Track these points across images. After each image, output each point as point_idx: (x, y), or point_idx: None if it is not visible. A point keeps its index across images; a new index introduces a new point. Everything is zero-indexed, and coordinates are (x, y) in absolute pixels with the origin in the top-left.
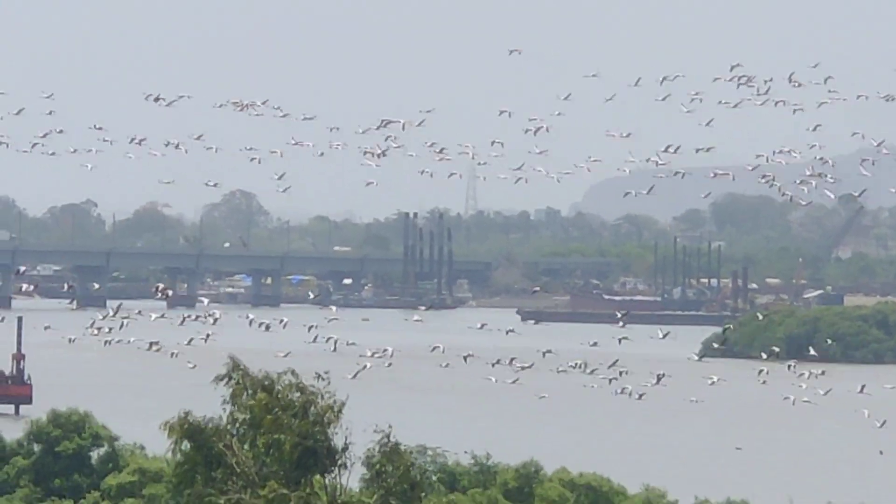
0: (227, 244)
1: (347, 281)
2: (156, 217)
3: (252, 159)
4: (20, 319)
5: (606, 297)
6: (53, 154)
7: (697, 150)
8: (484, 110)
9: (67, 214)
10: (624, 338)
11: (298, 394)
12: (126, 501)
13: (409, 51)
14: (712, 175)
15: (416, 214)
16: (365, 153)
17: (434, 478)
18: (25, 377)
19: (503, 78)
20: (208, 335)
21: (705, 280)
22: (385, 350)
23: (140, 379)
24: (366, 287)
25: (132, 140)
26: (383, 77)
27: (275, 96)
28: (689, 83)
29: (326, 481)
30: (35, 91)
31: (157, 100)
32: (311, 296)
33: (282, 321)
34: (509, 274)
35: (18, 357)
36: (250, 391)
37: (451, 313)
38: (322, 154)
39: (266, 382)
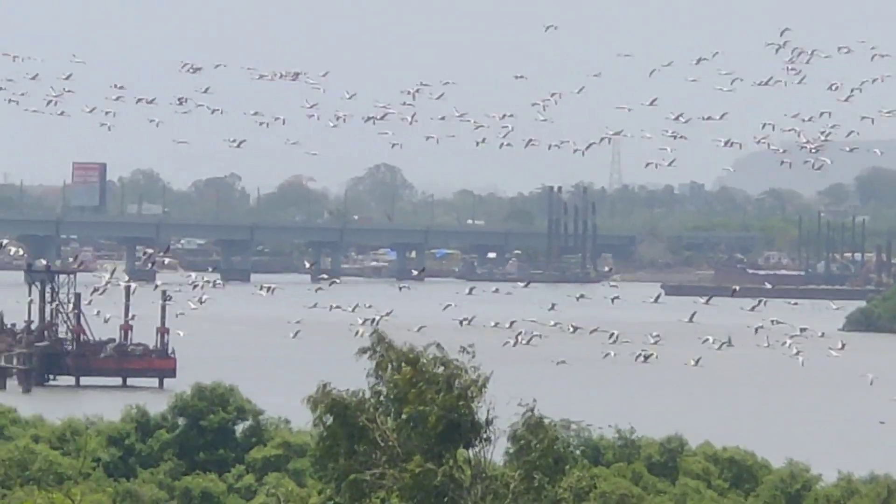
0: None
1: (492, 255)
2: (300, 191)
3: (381, 133)
4: (164, 293)
5: (750, 271)
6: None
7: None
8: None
9: (212, 188)
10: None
11: (442, 368)
12: (270, 475)
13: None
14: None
15: (560, 189)
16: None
17: (578, 452)
18: (169, 351)
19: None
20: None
21: (849, 254)
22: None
23: (285, 351)
24: (510, 261)
25: (277, 118)
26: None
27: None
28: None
29: (470, 455)
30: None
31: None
32: (456, 269)
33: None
34: (653, 248)
35: (162, 331)
36: (394, 364)
37: (592, 287)
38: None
39: (411, 356)
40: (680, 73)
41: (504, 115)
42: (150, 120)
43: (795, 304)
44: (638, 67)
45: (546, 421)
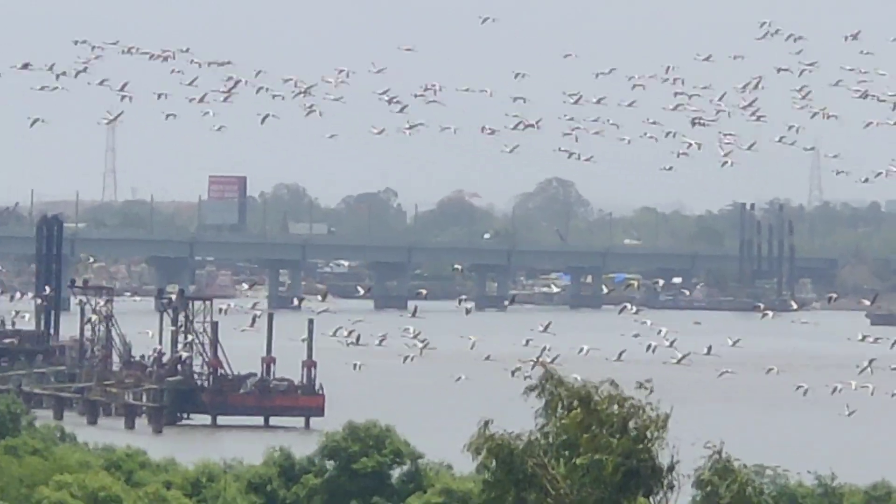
0: (544, 237)
1: (677, 279)
2: (463, 208)
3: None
4: (311, 322)
5: None
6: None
7: None
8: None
9: (364, 205)
10: None
11: (617, 406)
12: None
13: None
14: None
15: (753, 206)
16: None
17: (772, 500)
18: (317, 387)
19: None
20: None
21: None
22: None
23: (447, 389)
24: (697, 286)
25: (444, 128)
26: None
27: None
28: None
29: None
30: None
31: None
32: (636, 296)
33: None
34: (858, 272)
35: (309, 364)
36: (565, 403)
37: (791, 316)
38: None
39: (583, 393)
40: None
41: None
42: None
43: None
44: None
45: (736, 465)
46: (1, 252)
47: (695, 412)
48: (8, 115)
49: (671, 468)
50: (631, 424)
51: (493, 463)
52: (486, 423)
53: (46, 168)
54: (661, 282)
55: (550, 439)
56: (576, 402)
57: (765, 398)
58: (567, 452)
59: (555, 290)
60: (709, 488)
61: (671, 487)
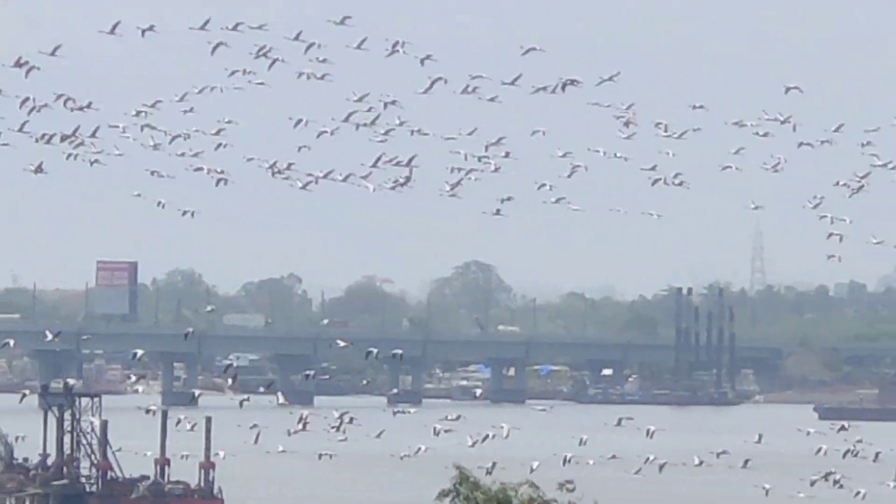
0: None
1: (607, 371)
2: (374, 295)
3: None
4: (208, 420)
5: None
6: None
7: None
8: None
9: (266, 292)
10: None
11: None
12: None
13: None
14: None
15: (690, 291)
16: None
17: None
18: (216, 490)
19: None
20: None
21: None
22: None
23: (356, 492)
24: (630, 379)
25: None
26: None
27: None
28: None
29: None
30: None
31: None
32: (564, 390)
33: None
34: (804, 362)
35: (207, 466)
36: None
37: (730, 410)
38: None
39: (500, 497)
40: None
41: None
42: (184, 211)
43: None
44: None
45: None
46: None
47: None
48: None
49: None
50: None
51: None
52: None
53: None
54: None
55: None
56: None
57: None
58: None
59: (475, 383)
60: None
61: None
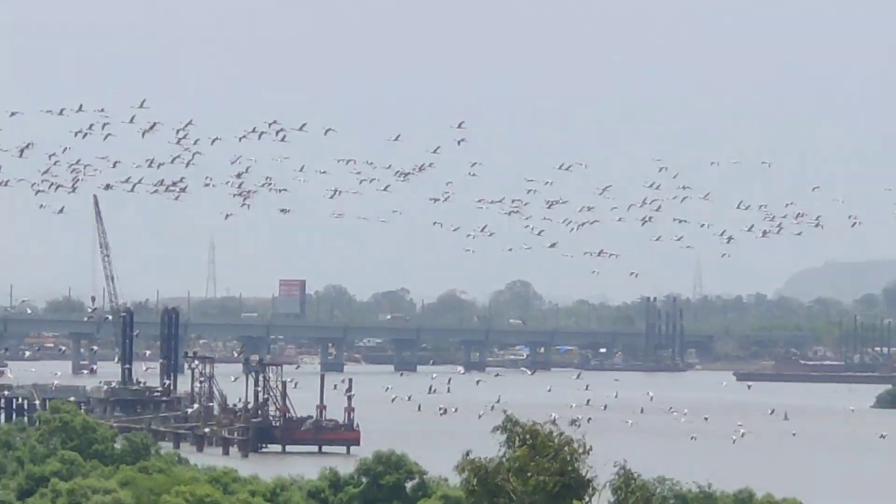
0: (512, 320)
1: (602, 350)
2: (455, 301)
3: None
4: (350, 381)
5: (802, 362)
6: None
7: None
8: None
9: (387, 299)
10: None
11: (556, 439)
12: None
13: None
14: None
15: (654, 299)
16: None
17: (671, 502)
18: (355, 425)
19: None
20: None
21: (879, 349)
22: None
23: (444, 426)
24: (617, 355)
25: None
26: None
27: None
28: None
29: None
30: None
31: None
32: (575, 361)
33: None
34: (728, 344)
35: (349, 409)
36: (520, 437)
37: (681, 375)
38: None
39: (530, 430)
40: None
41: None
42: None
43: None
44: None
45: (638, 476)
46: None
47: (613, 442)
48: (133, 231)
49: (590, 482)
50: (566, 449)
51: (474, 479)
52: (468, 452)
53: (167, 274)
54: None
55: (510, 464)
56: (528, 437)
57: (664, 432)
58: (521, 473)
59: (519, 357)
60: (620, 494)
61: (593, 493)
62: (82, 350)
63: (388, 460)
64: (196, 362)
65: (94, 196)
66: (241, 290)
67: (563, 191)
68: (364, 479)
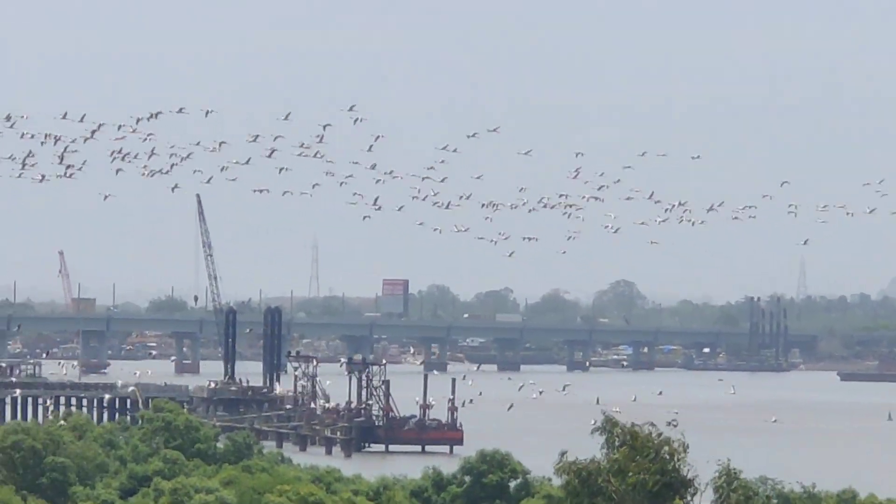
0: (605, 319)
1: (706, 350)
2: (558, 301)
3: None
4: (453, 380)
5: None
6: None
7: None
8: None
9: (490, 299)
10: None
11: (655, 440)
12: None
13: None
14: None
15: (759, 299)
16: None
17: (774, 502)
18: (458, 424)
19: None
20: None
21: None
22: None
23: (547, 425)
24: (720, 354)
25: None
26: None
27: None
28: None
29: None
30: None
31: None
32: (678, 361)
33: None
34: (831, 344)
35: (452, 409)
36: (620, 439)
37: (785, 375)
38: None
39: (630, 432)
40: None
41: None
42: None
43: None
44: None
45: (741, 475)
46: (240, 332)
47: (712, 440)
48: (237, 229)
49: (690, 482)
50: (665, 449)
51: (575, 480)
52: (564, 453)
53: (270, 274)
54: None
55: (610, 465)
56: (627, 438)
57: (766, 431)
58: (621, 474)
59: (622, 357)
60: (721, 493)
61: (695, 493)
62: (185, 349)
63: (491, 459)
64: (298, 362)
65: (197, 195)
66: (345, 290)
67: (667, 187)
68: (467, 479)
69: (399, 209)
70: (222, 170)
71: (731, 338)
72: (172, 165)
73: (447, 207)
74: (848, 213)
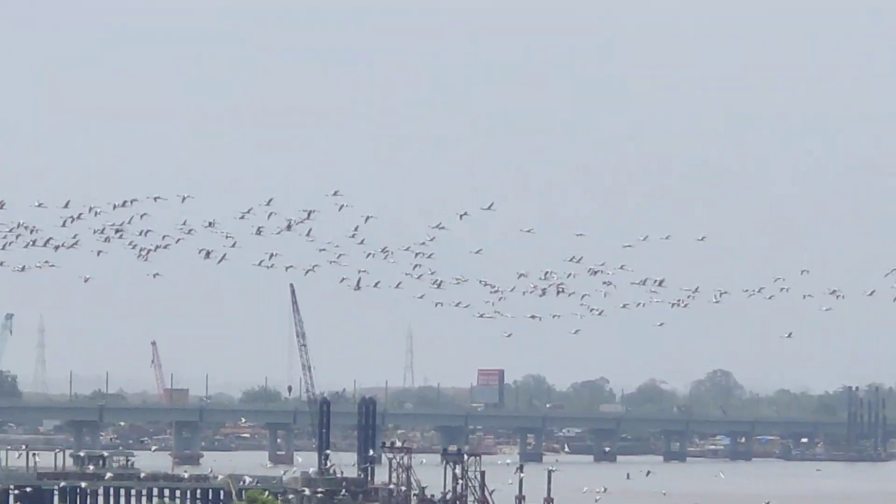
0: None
1: (804, 440)
2: (654, 391)
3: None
4: (549, 472)
5: None
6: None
7: None
8: None
9: (586, 389)
10: None
11: None
12: None
13: None
14: None
15: (857, 388)
16: None
17: None
18: None
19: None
20: None
21: None
22: None
23: None
24: (818, 445)
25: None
26: None
27: None
28: None
29: None
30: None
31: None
32: (776, 451)
33: None
34: None
35: (548, 500)
36: None
37: (884, 465)
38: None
39: None
40: None
41: None
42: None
43: None
44: None
45: None
46: (334, 423)
47: None
48: (331, 318)
49: None
50: None
51: None
52: None
53: (365, 363)
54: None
55: None
56: None
57: None
58: None
59: (719, 447)
60: None
61: None
62: (279, 440)
63: None
64: (393, 453)
65: (291, 284)
66: (440, 380)
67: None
68: None
69: (498, 300)
70: (315, 266)
71: (829, 427)
72: (272, 256)
73: (543, 294)
74: None
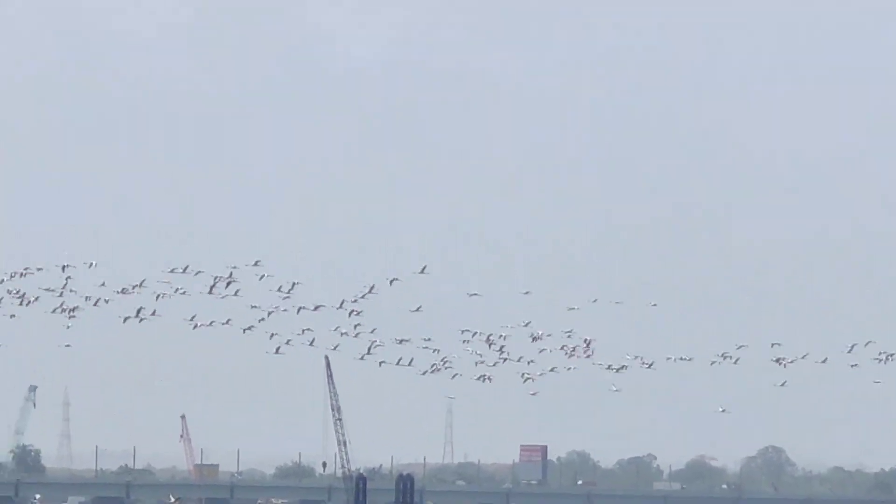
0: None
1: None
2: (703, 467)
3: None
4: None
5: None
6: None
7: None
8: None
9: (633, 465)
10: None
11: None
12: None
13: None
14: None
15: None
16: None
17: None
18: None
19: None
20: None
21: None
22: None
23: None
24: None
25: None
26: None
27: None
28: None
29: None
30: None
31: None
32: None
33: None
34: None
35: None
36: None
37: None
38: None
39: None
40: None
41: None
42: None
43: None
44: None
45: None
46: (370, 500)
47: None
48: (367, 391)
49: None
50: None
51: None
52: None
53: (402, 438)
54: None
55: None
56: None
57: None
58: None
59: None
60: None
61: None
62: None
63: None
64: None
65: (326, 357)
66: (480, 456)
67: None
68: None
69: (539, 375)
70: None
71: None
72: (305, 330)
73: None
74: None
